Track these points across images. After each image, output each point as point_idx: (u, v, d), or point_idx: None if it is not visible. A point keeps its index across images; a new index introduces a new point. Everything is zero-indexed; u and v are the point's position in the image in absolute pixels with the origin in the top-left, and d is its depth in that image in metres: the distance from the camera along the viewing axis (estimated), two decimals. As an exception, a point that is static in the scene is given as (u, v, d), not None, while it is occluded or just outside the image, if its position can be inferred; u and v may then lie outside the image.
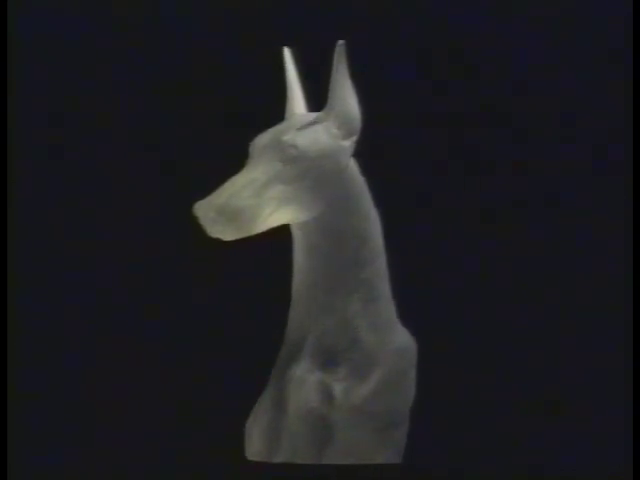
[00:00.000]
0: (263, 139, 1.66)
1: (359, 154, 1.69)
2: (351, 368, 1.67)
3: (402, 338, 1.73)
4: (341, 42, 1.63)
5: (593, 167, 2.04)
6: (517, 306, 2.02)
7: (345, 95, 1.64)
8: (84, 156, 2.07)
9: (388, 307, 1.72)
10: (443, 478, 1.70)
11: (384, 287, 1.71)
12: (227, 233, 1.60)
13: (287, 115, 1.73)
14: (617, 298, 1.97)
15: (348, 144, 1.66)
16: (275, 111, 1.74)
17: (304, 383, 1.67)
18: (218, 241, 1.62)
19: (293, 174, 1.61)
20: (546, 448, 1.81)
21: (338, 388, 1.66)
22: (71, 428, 1.89)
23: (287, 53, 1.74)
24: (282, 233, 1.69)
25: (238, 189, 1.60)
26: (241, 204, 1.59)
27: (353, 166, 1.68)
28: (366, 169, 1.70)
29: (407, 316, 1.73)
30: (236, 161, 1.66)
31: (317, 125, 1.65)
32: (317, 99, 1.70)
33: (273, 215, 1.62)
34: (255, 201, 1.60)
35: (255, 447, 1.70)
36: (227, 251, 1.67)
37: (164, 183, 2.01)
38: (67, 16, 2.06)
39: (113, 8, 2.06)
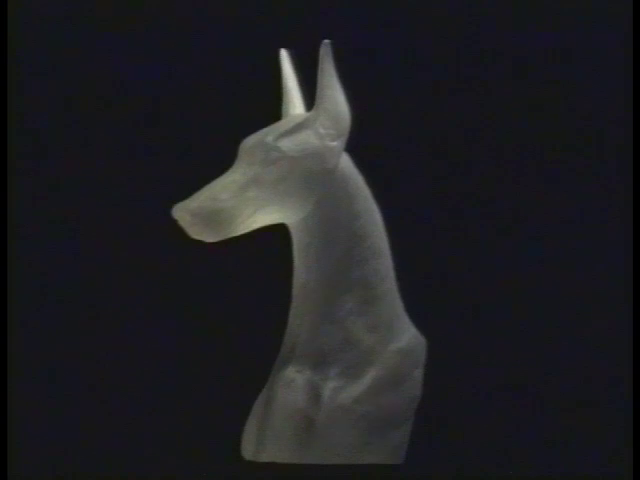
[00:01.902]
0: (250, 141, 1.66)
1: (360, 152, 1.69)
2: (343, 368, 1.66)
3: (407, 338, 1.71)
4: (326, 41, 1.62)
5: (593, 166, 2.04)
6: (518, 305, 2.02)
7: (333, 95, 1.63)
8: (83, 156, 2.07)
9: (390, 306, 1.70)
10: (443, 478, 1.70)
11: (385, 286, 1.69)
12: (206, 235, 1.61)
13: (283, 117, 1.73)
14: (617, 298, 1.98)
15: (336, 144, 1.64)
16: (274, 113, 1.74)
17: (292, 383, 1.66)
18: (222, 240, 1.63)
19: (275, 176, 1.61)
20: (546, 448, 1.81)
21: (326, 388, 1.66)
22: (70, 428, 1.90)
23: (284, 55, 1.74)
24: (285, 232, 1.69)
25: (216, 191, 1.61)
26: (218, 206, 1.60)
27: (346, 165, 1.67)
28: (367, 167, 1.69)
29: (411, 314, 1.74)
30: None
31: (304, 126, 1.63)
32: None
33: (254, 217, 1.62)
34: (233, 203, 1.60)
35: (247, 447, 1.71)
36: (228, 250, 1.68)
37: (164, 184, 2.01)
38: (66, 16, 2.06)
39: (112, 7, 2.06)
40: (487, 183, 2.05)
